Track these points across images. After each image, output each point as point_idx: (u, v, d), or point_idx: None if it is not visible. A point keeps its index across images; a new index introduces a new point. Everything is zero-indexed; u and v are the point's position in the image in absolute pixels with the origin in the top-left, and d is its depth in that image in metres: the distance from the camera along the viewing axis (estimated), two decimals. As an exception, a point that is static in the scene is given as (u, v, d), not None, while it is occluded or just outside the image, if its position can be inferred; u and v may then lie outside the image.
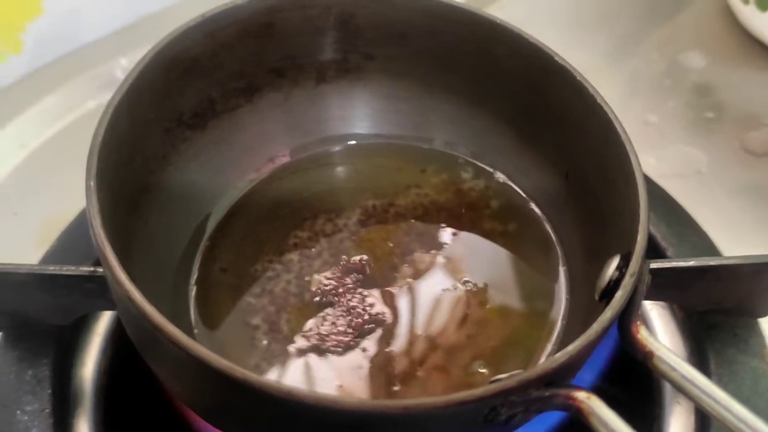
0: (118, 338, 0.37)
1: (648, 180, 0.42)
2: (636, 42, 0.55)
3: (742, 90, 0.51)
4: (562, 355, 0.25)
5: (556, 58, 0.34)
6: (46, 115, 0.47)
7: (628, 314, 0.28)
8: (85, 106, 0.48)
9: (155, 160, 0.34)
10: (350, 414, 0.24)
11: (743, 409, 0.26)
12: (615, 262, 0.29)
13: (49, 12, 0.51)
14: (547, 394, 0.25)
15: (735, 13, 0.54)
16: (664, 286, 0.33)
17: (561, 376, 0.26)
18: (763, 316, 0.36)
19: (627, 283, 0.27)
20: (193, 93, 0.35)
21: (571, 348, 0.25)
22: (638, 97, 0.51)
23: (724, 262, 0.34)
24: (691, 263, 0.33)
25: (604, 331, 0.26)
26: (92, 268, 0.31)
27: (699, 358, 0.36)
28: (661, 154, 0.47)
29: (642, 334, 0.28)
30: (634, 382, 0.37)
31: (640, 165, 0.30)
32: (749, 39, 0.53)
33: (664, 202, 0.42)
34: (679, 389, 0.28)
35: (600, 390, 0.37)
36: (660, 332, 0.38)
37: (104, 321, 0.37)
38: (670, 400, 0.36)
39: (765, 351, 0.36)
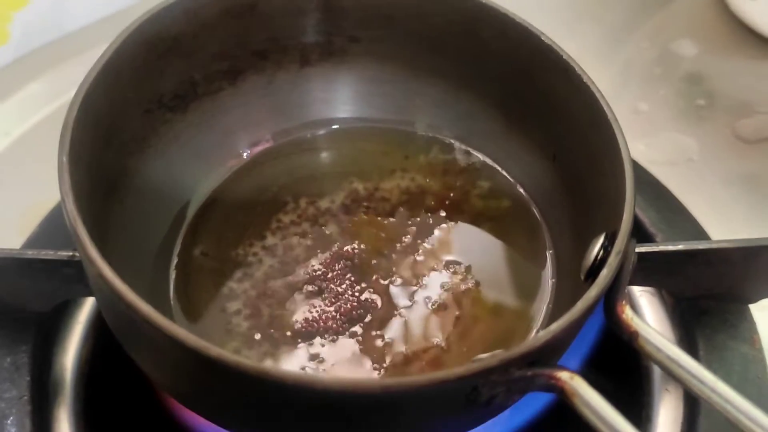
0: (99, 326, 0.36)
1: (638, 166, 0.42)
2: (627, 31, 0.54)
3: (733, 78, 0.51)
4: (545, 334, 0.24)
5: (543, 38, 0.33)
6: (29, 102, 0.47)
7: (614, 293, 0.27)
8: (69, 94, 0.46)
9: (134, 142, 0.33)
10: (329, 394, 0.23)
11: (730, 390, 0.26)
12: (600, 241, 0.29)
13: (35, 0, 0.51)
14: (529, 373, 0.25)
15: (726, 2, 0.54)
16: (653, 270, 0.33)
17: (544, 356, 0.25)
18: (754, 301, 0.36)
19: (612, 261, 0.26)
20: (174, 74, 0.34)
21: (555, 327, 0.24)
22: (629, 86, 0.51)
23: (713, 245, 0.33)
24: (680, 247, 0.33)
25: (589, 310, 0.25)
26: (71, 253, 0.31)
27: (688, 344, 0.36)
28: (653, 141, 0.47)
29: (627, 314, 0.27)
30: (622, 370, 0.37)
31: (626, 144, 0.29)
32: (741, 27, 0.53)
33: (654, 189, 0.42)
34: (665, 369, 0.27)
35: (587, 378, 0.36)
36: (649, 318, 0.37)
37: (86, 309, 0.37)
38: (659, 388, 0.35)
39: (755, 337, 0.36)
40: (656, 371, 0.36)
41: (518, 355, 0.24)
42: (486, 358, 0.24)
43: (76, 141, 0.27)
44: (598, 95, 0.31)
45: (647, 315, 0.37)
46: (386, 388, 0.23)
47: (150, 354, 0.27)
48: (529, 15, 0.35)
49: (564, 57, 0.32)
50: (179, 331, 0.23)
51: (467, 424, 0.28)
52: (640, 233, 0.39)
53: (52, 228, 0.38)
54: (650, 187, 0.42)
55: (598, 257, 0.29)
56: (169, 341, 0.23)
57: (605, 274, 0.26)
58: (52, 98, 0.47)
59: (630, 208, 0.27)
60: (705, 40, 0.53)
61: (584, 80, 0.32)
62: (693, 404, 0.34)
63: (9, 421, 0.32)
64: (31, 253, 0.31)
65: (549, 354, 0.26)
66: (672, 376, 0.27)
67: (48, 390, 0.34)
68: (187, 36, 0.34)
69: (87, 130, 0.28)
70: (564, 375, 0.25)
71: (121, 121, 0.32)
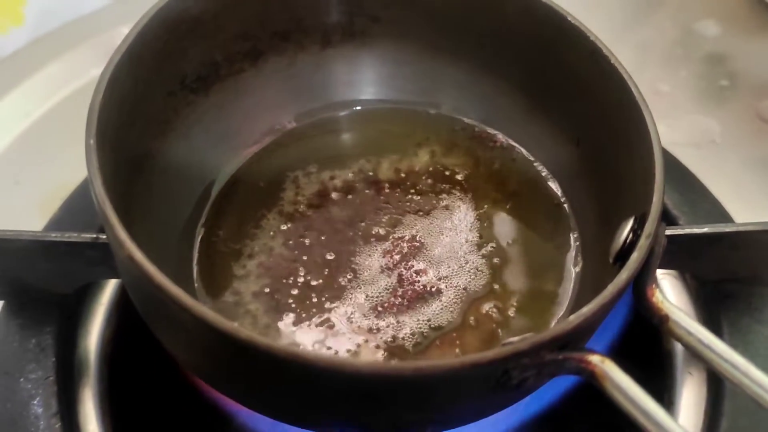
0: (122, 308, 0.36)
1: (660, 148, 0.41)
2: (649, 11, 0.54)
3: (756, 58, 0.50)
4: (576, 318, 0.24)
5: (569, 18, 0.33)
6: (48, 83, 0.47)
7: (644, 277, 0.27)
8: (87, 74, 0.47)
9: (157, 124, 0.33)
10: (361, 377, 0.23)
11: (762, 375, 0.25)
12: (629, 224, 0.29)
13: (51, -18, 0.51)
14: (560, 357, 0.25)
15: (750, -19, 0.53)
16: (678, 253, 0.33)
17: (574, 340, 0.25)
18: (779, 284, 0.36)
19: (643, 244, 0.26)
20: (196, 56, 0.34)
21: (586, 310, 0.24)
22: (650, 66, 0.50)
23: (739, 228, 0.33)
24: (705, 230, 0.32)
25: (620, 293, 0.25)
26: (95, 235, 0.31)
27: (713, 327, 0.36)
28: (674, 123, 0.46)
29: (657, 297, 0.27)
30: (644, 354, 0.37)
31: (655, 125, 0.29)
32: (764, 7, 0.52)
33: (676, 171, 0.41)
34: (695, 353, 0.27)
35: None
36: (672, 302, 0.37)
37: (108, 290, 0.37)
38: (682, 371, 0.35)
39: (780, 320, 0.35)
40: (679, 355, 0.36)
41: (549, 339, 0.24)
42: (517, 341, 0.24)
43: (102, 123, 0.27)
44: (626, 77, 0.31)
45: (670, 298, 0.37)
46: (418, 371, 0.23)
47: (178, 336, 0.27)
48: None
49: (591, 38, 0.32)
50: (209, 313, 0.23)
51: (496, 405, 0.28)
52: (663, 215, 0.39)
53: (74, 209, 0.38)
54: (672, 169, 0.41)
55: (628, 240, 0.28)
56: (198, 323, 0.23)
57: (636, 257, 0.26)
58: (71, 79, 0.47)
59: (660, 190, 0.27)
60: (728, 20, 0.52)
61: (612, 62, 0.31)
62: (717, 387, 0.34)
63: (35, 402, 0.32)
64: (54, 236, 0.31)
65: (579, 337, 0.26)
66: (703, 360, 0.27)
67: (72, 370, 0.34)
68: (208, 17, 0.33)
69: (112, 112, 0.28)
70: (595, 358, 0.25)
71: (144, 103, 0.31)
